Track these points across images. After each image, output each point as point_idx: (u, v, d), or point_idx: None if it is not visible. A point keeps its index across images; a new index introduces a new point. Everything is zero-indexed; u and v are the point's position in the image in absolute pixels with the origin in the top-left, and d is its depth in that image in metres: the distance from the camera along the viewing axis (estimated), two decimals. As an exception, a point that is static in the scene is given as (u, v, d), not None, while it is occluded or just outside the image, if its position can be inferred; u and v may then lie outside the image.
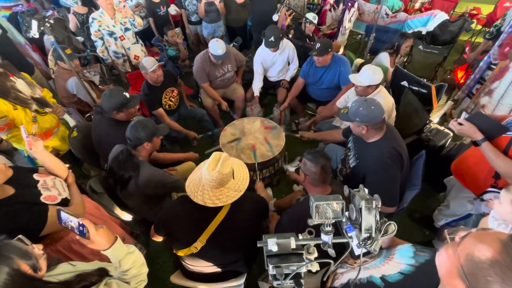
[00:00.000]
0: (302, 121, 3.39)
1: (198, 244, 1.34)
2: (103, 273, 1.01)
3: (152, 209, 1.90)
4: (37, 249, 0.89)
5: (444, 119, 3.23)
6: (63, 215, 0.99)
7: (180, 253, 1.41)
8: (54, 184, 1.40)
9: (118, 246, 1.01)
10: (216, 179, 1.26)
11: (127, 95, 1.99)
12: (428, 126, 2.60)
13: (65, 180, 1.50)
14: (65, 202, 1.37)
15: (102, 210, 1.76)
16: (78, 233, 0.96)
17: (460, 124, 1.47)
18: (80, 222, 0.95)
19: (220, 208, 1.33)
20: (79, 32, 3.74)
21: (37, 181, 1.35)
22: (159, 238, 1.53)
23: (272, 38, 2.69)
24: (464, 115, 1.50)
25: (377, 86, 2.15)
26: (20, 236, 0.91)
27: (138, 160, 1.72)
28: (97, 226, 0.97)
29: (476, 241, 0.59)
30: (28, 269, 0.82)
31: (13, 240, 0.87)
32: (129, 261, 1.03)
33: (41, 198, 1.28)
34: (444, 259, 0.64)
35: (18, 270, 0.80)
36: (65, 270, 0.99)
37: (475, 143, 1.45)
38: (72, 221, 0.97)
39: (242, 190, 1.34)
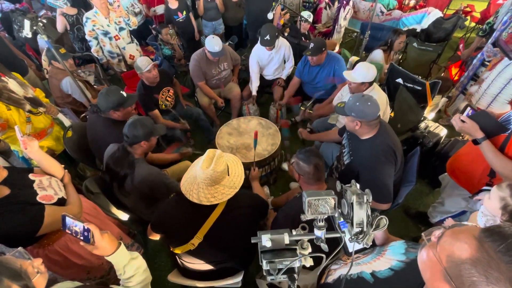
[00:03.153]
0: (299, 119, 3.41)
1: (195, 241, 1.34)
2: (103, 286, 1.01)
3: (149, 208, 1.90)
4: (32, 266, 0.85)
5: (439, 116, 3.26)
6: (68, 220, 0.97)
7: (177, 250, 1.41)
8: (50, 183, 1.39)
9: (122, 252, 1.01)
10: (210, 177, 1.26)
11: (125, 94, 1.98)
12: (422, 123, 2.63)
13: (61, 180, 1.50)
14: (61, 202, 1.36)
15: (99, 210, 1.75)
16: (82, 238, 0.95)
17: (463, 121, 1.45)
18: (86, 227, 0.94)
19: (216, 204, 1.33)
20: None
21: (33, 181, 1.34)
22: (156, 237, 1.54)
23: (267, 37, 2.70)
24: (467, 112, 1.48)
25: (370, 83, 2.17)
26: (20, 249, 0.89)
27: (133, 158, 1.72)
28: (102, 231, 0.97)
29: (453, 240, 0.60)
30: None
31: (5, 256, 0.84)
32: (133, 267, 1.02)
33: (37, 198, 1.27)
34: (426, 262, 0.64)
35: None
36: (65, 287, 0.98)
37: (475, 141, 1.44)
38: (77, 226, 0.96)
39: (238, 186, 1.34)
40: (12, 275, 0.79)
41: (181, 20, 3.89)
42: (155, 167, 1.82)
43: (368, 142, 1.68)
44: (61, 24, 3.40)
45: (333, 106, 2.62)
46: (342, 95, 2.50)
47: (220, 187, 1.30)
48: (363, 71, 2.10)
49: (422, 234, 0.66)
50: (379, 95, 2.17)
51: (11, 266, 0.81)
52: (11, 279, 0.78)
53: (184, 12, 3.85)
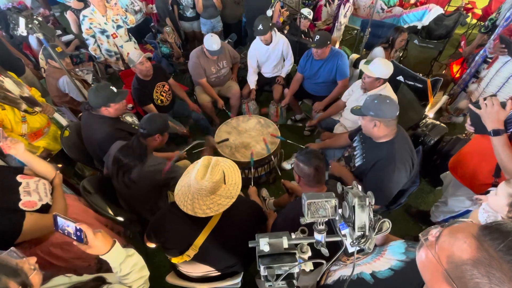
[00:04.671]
0: (299, 117, 3.38)
1: (191, 252, 1.30)
2: (99, 282, 0.99)
3: (149, 203, 1.88)
4: (28, 264, 0.84)
5: (440, 114, 3.23)
6: (60, 220, 0.96)
7: (174, 260, 1.37)
8: (37, 187, 1.34)
9: (117, 250, 0.99)
10: (206, 188, 1.20)
11: (115, 90, 1.95)
12: (424, 120, 2.60)
13: (52, 182, 1.45)
14: (45, 208, 1.32)
15: (89, 213, 1.70)
16: (75, 238, 0.94)
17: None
18: (78, 227, 0.93)
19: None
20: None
21: (20, 184, 1.29)
22: (152, 245, 1.50)
23: (260, 26, 2.68)
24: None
25: (384, 81, 2.13)
26: (12, 248, 0.88)
27: (147, 149, 1.75)
28: (95, 230, 0.95)
29: (452, 239, 0.58)
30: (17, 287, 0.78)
31: (2, 254, 0.84)
32: (129, 264, 1.01)
33: (20, 204, 1.22)
34: (425, 263, 0.62)
35: None
36: (59, 282, 0.97)
37: (493, 132, 1.30)
38: (69, 226, 0.94)
39: (234, 196, 1.27)
40: (9, 272, 0.79)
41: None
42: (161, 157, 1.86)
43: (385, 145, 1.62)
44: (73, 23, 3.36)
45: (340, 104, 2.55)
46: (353, 91, 2.44)
47: (216, 197, 1.24)
48: (381, 66, 2.05)
49: (420, 234, 0.64)
50: (391, 95, 2.14)
51: (8, 263, 0.81)
52: (9, 276, 0.78)
53: None
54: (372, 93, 2.11)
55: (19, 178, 1.32)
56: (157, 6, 3.96)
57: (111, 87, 1.94)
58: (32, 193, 1.30)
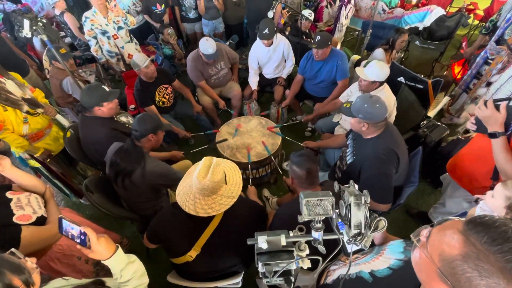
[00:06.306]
0: (300, 118, 3.39)
1: (193, 253, 1.31)
2: (99, 285, 0.99)
3: (149, 203, 1.89)
4: (30, 262, 0.85)
5: (441, 115, 3.23)
6: (64, 222, 0.96)
7: (176, 261, 1.38)
8: (29, 201, 1.33)
9: (119, 256, 0.99)
10: (207, 188, 1.21)
11: (107, 89, 1.95)
12: (425, 122, 2.60)
13: (43, 196, 1.43)
14: (40, 221, 1.31)
15: (85, 224, 1.70)
16: (78, 241, 0.94)
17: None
18: (82, 231, 0.93)
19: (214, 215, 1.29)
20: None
21: (10, 200, 1.28)
22: (153, 246, 1.51)
23: (266, 31, 2.70)
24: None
25: (381, 83, 2.14)
26: (12, 249, 0.88)
27: (143, 151, 1.73)
28: (99, 235, 0.95)
29: (441, 237, 0.59)
30: (20, 284, 0.78)
31: (5, 253, 0.84)
32: (129, 271, 1.01)
33: (14, 219, 1.21)
34: (420, 263, 0.64)
35: (9, 286, 0.76)
36: (58, 285, 0.97)
37: (491, 134, 1.32)
38: (73, 229, 0.94)
39: (236, 196, 1.28)
40: (14, 269, 0.79)
41: (158, 12, 3.92)
42: (161, 161, 1.85)
43: (371, 141, 1.67)
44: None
45: (338, 103, 2.57)
46: (352, 92, 2.45)
47: (217, 197, 1.25)
48: (376, 70, 2.07)
49: (411, 235, 0.65)
50: (388, 96, 2.14)
51: (12, 260, 0.82)
52: (13, 272, 0.78)
53: (163, 6, 3.91)
54: (363, 95, 2.13)
55: (8, 194, 1.30)
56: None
57: (103, 86, 1.94)
58: (25, 207, 1.28)
